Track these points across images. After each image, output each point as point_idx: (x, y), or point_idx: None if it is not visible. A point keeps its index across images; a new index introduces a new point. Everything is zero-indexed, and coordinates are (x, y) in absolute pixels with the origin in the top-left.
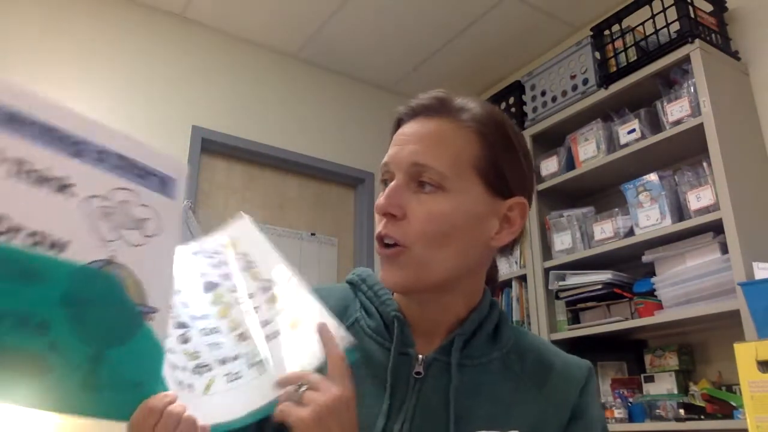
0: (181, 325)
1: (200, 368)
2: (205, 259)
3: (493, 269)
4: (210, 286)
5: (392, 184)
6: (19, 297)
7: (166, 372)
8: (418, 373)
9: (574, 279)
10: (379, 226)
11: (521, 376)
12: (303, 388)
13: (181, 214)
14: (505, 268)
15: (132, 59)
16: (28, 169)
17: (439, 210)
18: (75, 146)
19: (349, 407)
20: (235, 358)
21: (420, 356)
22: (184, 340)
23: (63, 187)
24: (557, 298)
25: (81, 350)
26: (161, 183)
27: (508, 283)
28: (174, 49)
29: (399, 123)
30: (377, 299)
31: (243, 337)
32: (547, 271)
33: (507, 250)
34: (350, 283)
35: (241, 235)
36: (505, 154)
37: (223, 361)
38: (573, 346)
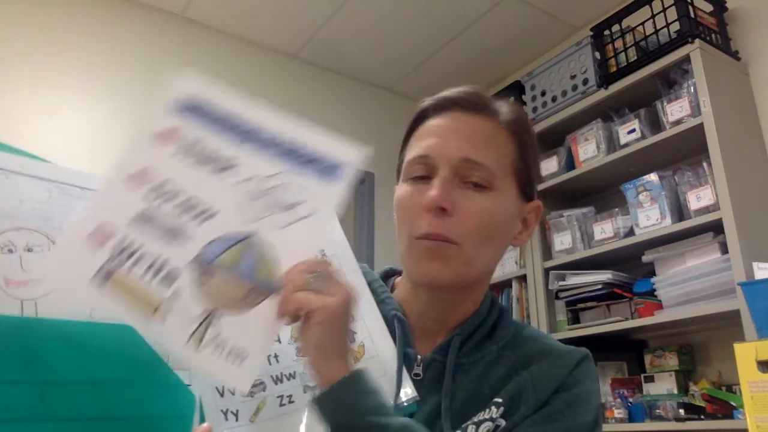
0: None
1: (253, 387)
2: None
3: None
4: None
5: (440, 177)
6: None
7: (210, 399)
8: (416, 374)
9: (574, 279)
10: (422, 220)
11: (514, 363)
12: (319, 274)
13: (341, 201)
14: (505, 268)
15: (132, 59)
16: (199, 149)
17: (487, 208)
18: (245, 131)
19: (349, 312)
20: (291, 376)
21: (419, 357)
22: None
23: (226, 167)
24: (557, 298)
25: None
26: (325, 169)
27: (508, 283)
28: (174, 49)
29: (423, 116)
30: (376, 297)
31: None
32: (547, 271)
33: None
34: None
35: None
36: (532, 158)
37: (278, 379)
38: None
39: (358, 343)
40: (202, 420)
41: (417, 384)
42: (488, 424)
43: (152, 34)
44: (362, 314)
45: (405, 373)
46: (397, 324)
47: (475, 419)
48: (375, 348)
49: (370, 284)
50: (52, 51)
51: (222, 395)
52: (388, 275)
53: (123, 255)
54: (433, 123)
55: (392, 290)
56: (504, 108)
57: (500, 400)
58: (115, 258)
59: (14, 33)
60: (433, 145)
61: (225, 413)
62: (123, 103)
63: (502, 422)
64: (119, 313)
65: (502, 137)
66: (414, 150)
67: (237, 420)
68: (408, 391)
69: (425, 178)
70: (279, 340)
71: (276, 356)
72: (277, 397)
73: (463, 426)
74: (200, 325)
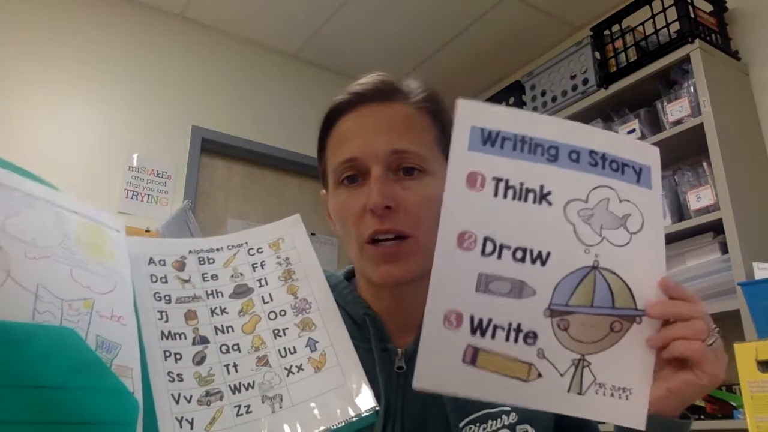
0: (202, 340)
1: (210, 396)
2: (246, 255)
3: None
4: (242, 291)
5: (375, 176)
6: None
7: (164, 406)
8: (399, 368)
9: None
10: (368, 223)
11: None
12: (718, 335)
13: (660, 205)
14: None
15: (132, 59)
16: (507, 185)
17: (429, 193)
18: (547, 153)
19: None
20: (249, 386)
21: (399, 350)
22: (201, 359)
23: (541, 197)
24: None
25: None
26: (636, 173)
27: None
28: (174, 49)
29: (334, 116)
30: (343, 299)
31: (263, 361)
32: None
33: None
34: None
35: (288, 236)
36: (450, 128)
37: (236, 389)
38: None
39: (320, 352)
40: (146, 428)
41: (401, 377)
42: None
43: (152, 34)
44: (324, 323)
45: (364, 383)
46: (369, 323)
47: (488, 428)
48: (336, 357)
49: (335, 287)
50: (51, 51)
51: (177, 402)
52: (351, 275)
53: (481, 328)
54: (350, 122)
55: (356, 290)
56: (413, 86)
57: (508, 408)
58: (475, 334)
59: (13, 33)
60: (358, 145)
61: (180, 421)
62: (123, 103)
63: (528, 427)
64: (492, 386)
65: (420, 117)
66: (338, 154)
67: (192, 428)
68: (367, 401)
69: (356, 180)
70: (239, 350)
71: (235, 365)
72: (235, 406)
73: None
74: (575, 373)
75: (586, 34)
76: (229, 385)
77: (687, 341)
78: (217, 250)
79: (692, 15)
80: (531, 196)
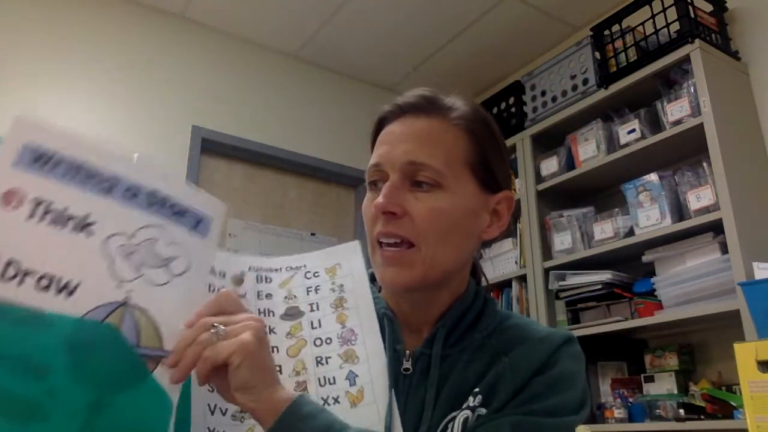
0: None
1: (244, 413)
2: (303, 278)
3: (475, 260)
4: (292, 313)
5: (388, 182)
6: (20, 341)
7: (199, 416)
8: (406, 369)
9: (574, 279)
10: (378, 225)
11: (496, 350)
12: (221, 327)
13: (213, 254)
14: (505, 268)
15: (132, 59)
16: (47, 209)
17: (439, 207)
18: (102, 183)
19: (265, 338)
20: None
21: (407, 351)
22: None
23: (83, 226)
24: (557, 298)
25: (79, 398)
26: (195, 221)
27: (508, 283)
28: (174, 49)
29: (382, 123)
30: None
31: (302, 387)
32: (547, 271)
33: (488, 242)
34: None
35: (345, 262)
36: (492, 150)
37: None
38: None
39: (358, 387)
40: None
41: (407, 379)
42: (466, 413)
43: (152, 34)
44: (368, 357)
45: (398, 425)
46: (386, 322)
47: (457, 411)
48: (374, 395)
49: None
50: (51, 51)
51: (212, 413)
52: None
53: None
54: (386, 130)
55: (380, 290)
56: (457, 104)
57: (478, 389)
58: None
59: (14, 33)
60: (383, 152)
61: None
62: (123, 102)
63: (483, 410)
64: None
65: (452, 134)
66: (371, 158)
67: None
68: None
69: (378, 185)
70: (280, 371)
71: None
72: None
73: (448, 417)
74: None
75: (586, 34)
76: None
77: (198, 356)
78: (276, 270)
79: (692, 15)
80: (72, 223)
